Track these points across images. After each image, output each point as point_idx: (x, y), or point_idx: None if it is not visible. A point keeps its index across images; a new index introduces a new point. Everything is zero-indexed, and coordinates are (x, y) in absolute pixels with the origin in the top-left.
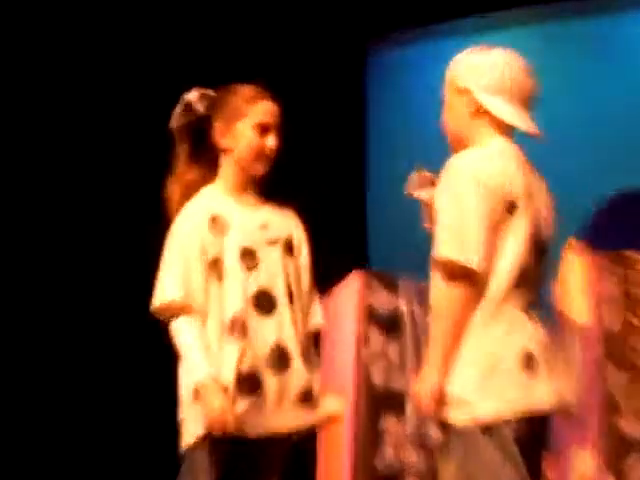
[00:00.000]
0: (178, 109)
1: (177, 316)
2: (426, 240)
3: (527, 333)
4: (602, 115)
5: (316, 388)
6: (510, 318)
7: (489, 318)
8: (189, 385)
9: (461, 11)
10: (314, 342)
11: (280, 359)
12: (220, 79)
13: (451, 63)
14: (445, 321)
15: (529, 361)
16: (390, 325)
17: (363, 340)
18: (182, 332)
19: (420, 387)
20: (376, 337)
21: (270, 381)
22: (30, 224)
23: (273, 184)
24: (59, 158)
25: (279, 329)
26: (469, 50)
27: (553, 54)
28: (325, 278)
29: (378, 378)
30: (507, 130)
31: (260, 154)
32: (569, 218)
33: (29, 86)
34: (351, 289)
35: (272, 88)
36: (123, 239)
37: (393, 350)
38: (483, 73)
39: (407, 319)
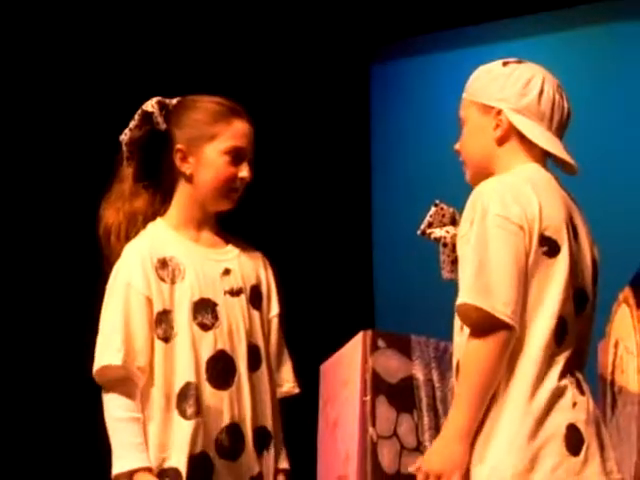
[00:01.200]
0: (135, 121)
1: (112, 383)
2: (443, 291)
3: (572, 404)
4: None
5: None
6: (552, 387)
7: (529, 389)
8: (121, 470)
9: (468, 20)
10: (280, 412)
11: (232, 443)
12: (220, 90)
13: (472, 77)
14: (472, 380)
15: (576, 439)
16: (402, 397)
17: (369, 416)
18: (113, 409)
19: (432, 462)
20: (385, 412)
21: (222, 468)
22: None
23: (269, 226)
24: None
25: (235, 405)
26: (494, 62)
27: (565, 64)
28: (327, 340)
29: (388, 462)
30: (540, 157)
31: (230, 186)
32: (619, 262)
33: None
34: (355, 353)
35: (272, 100)
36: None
37: (406, 428)
38: (515, 91)
39: (423, 389)
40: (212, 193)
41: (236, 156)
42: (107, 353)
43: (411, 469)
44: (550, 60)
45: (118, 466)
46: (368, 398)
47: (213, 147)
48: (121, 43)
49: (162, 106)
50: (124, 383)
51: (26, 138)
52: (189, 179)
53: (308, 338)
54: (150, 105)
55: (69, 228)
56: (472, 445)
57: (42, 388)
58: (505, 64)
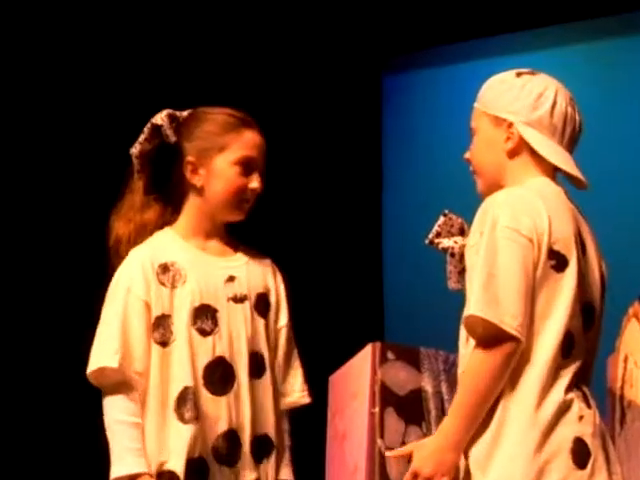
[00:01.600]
0: (144, 134)
1: (111, 387)
2: (453, 303)
3: (578, 418)
4: None
5: None
6: (558, 400)
7: (534, 402)
8: (120, 474)
9: (481, 32)
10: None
11: (229, 449)
12: (232, 100)
13: (485, 87)
14: (473, 390)
15: (582, 452)
16: (411, 409)
17: (377, 428)
18: (114, 411)
19: (424, 466)
20: (394, 424)
21: (218, 474)
22: None
23: (279, 235)
24: None
25: (234, 412)
26: (508, 73)
27: (577, 76)
28: (336, 352)
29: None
30: (550, 171)
31: (241, 197)
32: (628, 276)
33: None
34: (364, 365)
35: (285, 110)
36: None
37: (414, 440)
38: (528, 103)
39: (432, 401)
40: (223, 204)
41: (247, 166)
42: (104, 355)
43: (391, 453)
44: (562, 72)
45: (117, 470)
46: (377, 410)
47: (223, 158)
48: (132, 55)
49: (172, 119)
50: (123, 386)
51: (38, 148)
52: (200, 191)
53: (317, 349)
54: (160, 118)
55: (76, 234)
56: (466, 453)
57: (43, 389)
58: (518, 75)
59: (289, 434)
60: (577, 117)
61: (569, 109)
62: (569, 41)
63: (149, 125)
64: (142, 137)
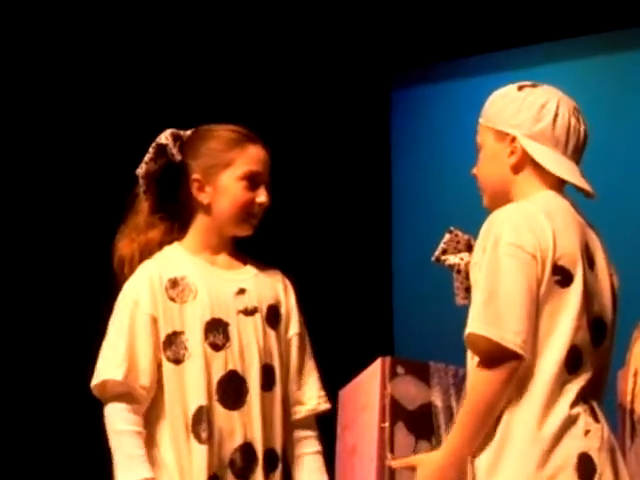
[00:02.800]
0: (150, 154)
1: (113, 398)
2: (463, 318)
3: (584, 432)
4: None
5: None
6: (563, 416)
7: (538, 417)
8: None
9: (488, 46)
10: (315, 428)
11: (246, 462)
12: (239, 116)
13: (488, 102)
14: (475, 408)
15: (588, 467)
16: (421, 423)
17: (387, 442)
18: (115, 421)
19: (420, 478)
20: (403, 438)
21: None
22: None
23: (288, 250)
24: None
25: (247, 425)
26: (510, 86)
27: (585, 91)
28: (346, 366)
29: None
30: (556, 183)
31: (248, 212)
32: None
33: None
34: (373, 379)
35: (292, 126)
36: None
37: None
38: (530, 116)
39: (442, 416)
40: (230, 220)
41: (252, 181)
42: (108, 368)
43: (395, 464)
44: (570, 87)
45: (123, 477)
46: (386, 424)
47: (229, 174)
48: (137, 73)
49: (176, 138)
50: (126, 398)
51: (47, 165)
52: (207, 208)
53: (326, 364)
54: (164, 137)
55: (84, 248)
56: (464, 471)
57: (49, 402)
58: (520, 88)
59: (317, 439)
60: (581, 127)
61: (572, 120)
62: (578, 55)
63: (154, 145)
64: (147, 157)
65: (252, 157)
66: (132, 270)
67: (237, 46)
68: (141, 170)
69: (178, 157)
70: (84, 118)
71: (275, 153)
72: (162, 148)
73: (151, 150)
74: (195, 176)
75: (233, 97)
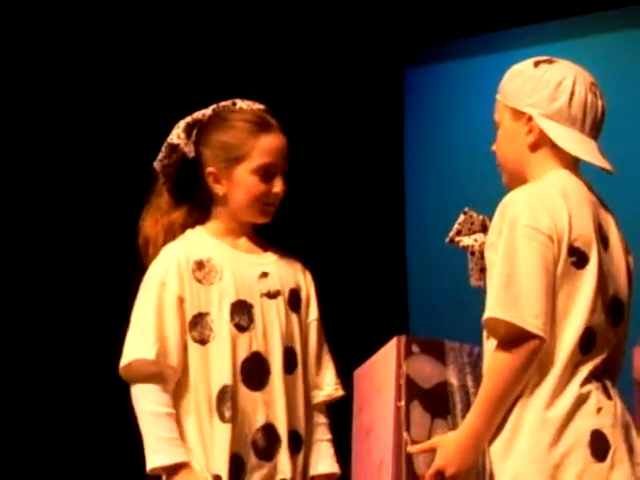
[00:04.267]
0: (163, 152)
1: (143, 379)
2: (477, 297)
3: (596, 410)
4: None
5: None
6: (574, 394)
7: (549, 397)
8: (159, 464)
9: (502, 23)
10: (327, 416)
11: (268, 443)
12: (252, 97)
13: (505, 78)
14: (495, 390)
15: (601, 444)
16: (437, 402)
17: (403, 422)
18: (147, 402)
19: (450, 465)
20: (419, 417)
21: (255, 468)
22: None
23: (302, 232)
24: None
25: (270, 406)
26: (526, 62)
27: (607, 70)
28: (361, 346)
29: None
30: (572, 162)
31: (263, 203)
32: None
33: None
34: (388, 358)
35: (305, 105)
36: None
37: (441, 433)
38: (546, 95)
39: (457, 394)
40: (247, 210)
41: (266, 173)
42: (140, 348)
43: (413, 450)
44: (587, 64)
45: (156, 459)
46: (402, 403)
47: (243, 167)
48: (153, 58)
49: (189, 131)
50: (156, 378)
51: (70, 152)
52: (223, 199)
53: (342, 344)
54: (176, 136)
55: (108, 232)
56: (484, 452)
57: (75, 386)
58: (536, 65)
59: (329, 427)
60: (599, 103)
61: (589, 96)
62: (594, 31)
63: (165, 145)
64: (161, 155)
65: (266, 149)
66: (157, 251)
67: (249, 25)
68: (157, 165)
69: (191, 154)
70: (106, 103)
71: (287, 134)
72: (174, 148)
73: (164, 150)
74: (210, 169)
75: (244, 76)
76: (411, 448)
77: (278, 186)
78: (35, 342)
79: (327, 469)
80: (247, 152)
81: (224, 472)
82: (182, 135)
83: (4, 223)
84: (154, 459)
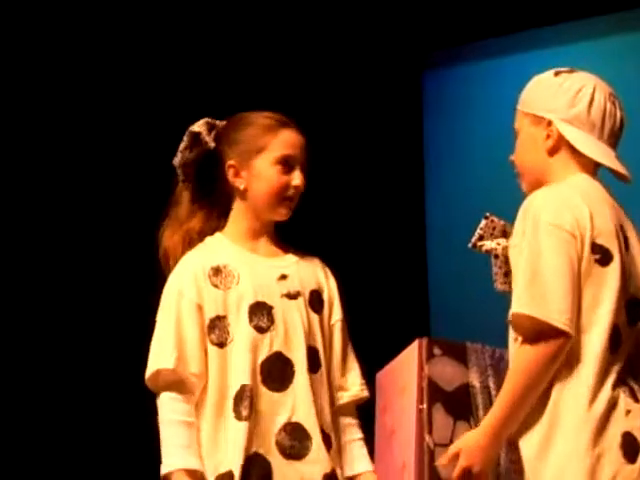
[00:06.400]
0: (184, 142)
1: (166, 387)
2: (498, 300)
3: (625, 412)
4: None
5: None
6: (607, 396)
7: (588, 396)
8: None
9: (521, 26)
10: (356, 416)
11: (293, 442)
12: (272, 95)
13: (526, 88)
14: (521, 385)
15: (632, 446)
16: (459, 404)
17: (426, 424)
18: (168, 411)
19: (476, 461)
20: (442, 419)
21: (284, 468)
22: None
23: (324, 235)
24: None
25: (296, 405)
26: (547, 73)
27: (620, 69)
28: (383, 348)
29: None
30: (591, 167)
31: (283, 195)
32: None
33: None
34: (410, 361)
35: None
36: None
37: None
38: (565, 100)
39: (479, 396)
40: (267, 204)
41: (286, 165)
42: (160, 358)
43: (442, 461)
44: (605, 64)
45: (171, 462)
46: (424, 406)
47: (263, 158)
48: (176, 65)
49: (210, 126)
50: (178, 387)
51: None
52: (243, 193)
53: (364, 346)
54: (197, 125)
55: (130, 244)
56: (513, 443)
57: (99, 397)
58: (557, 74)
59: (359, 427)
60: (618, 112)
61: (608, 104)
62: (613, 32)
63: (187, 133)
64: (182, 146)
65: (286, 141)
66: (177, 261)
67: (270, 28)
68: (177, 159)
69: (212, 144)
70: (121, 112)
71: (307, 136)
72: (196, 136)
73: (185, 139)
74: (230, 162)
75: (265, 79)
76: (439, 461)
77: (298, 179)
78: (62, 357)
79: (365, 468)
80: (267, 143)
81: (237, 469)
82: (203, 126)
83: (27, 235)
84: (170, 462)
